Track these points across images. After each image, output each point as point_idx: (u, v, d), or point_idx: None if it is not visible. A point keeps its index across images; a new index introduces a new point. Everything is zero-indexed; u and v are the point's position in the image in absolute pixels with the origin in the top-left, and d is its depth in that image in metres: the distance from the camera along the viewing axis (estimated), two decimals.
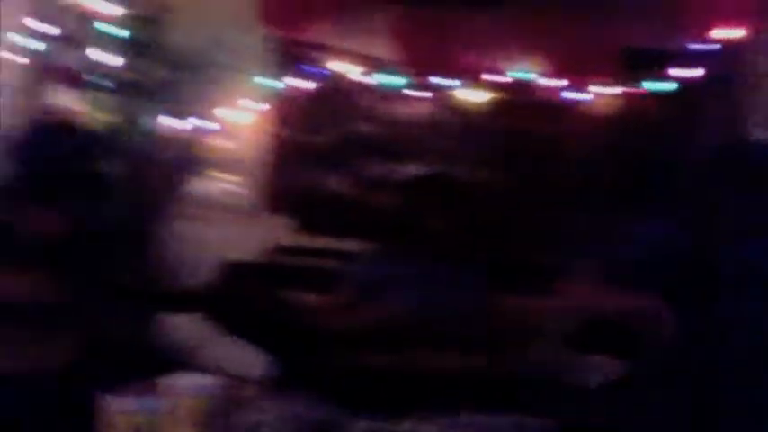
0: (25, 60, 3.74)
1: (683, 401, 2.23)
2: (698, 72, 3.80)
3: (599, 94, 4.06)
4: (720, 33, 3.58)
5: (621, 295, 2.48)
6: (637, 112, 4.06)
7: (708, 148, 3.71)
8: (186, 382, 1.83)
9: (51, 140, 2.53)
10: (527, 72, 4.03)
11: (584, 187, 4.06)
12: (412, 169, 3.54)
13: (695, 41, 3.75)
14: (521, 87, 4.06)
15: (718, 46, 3.64)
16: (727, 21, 3.55)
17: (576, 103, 4.05)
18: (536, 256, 3.94)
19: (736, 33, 3.54)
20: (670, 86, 3.92)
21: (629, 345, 2.39)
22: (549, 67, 3.97)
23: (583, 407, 2.34)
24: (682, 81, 3.88)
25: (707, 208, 2.47)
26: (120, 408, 1.66)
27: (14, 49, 3.66)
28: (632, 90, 3.99)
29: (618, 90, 4.02)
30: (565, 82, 3.99)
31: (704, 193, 2.56)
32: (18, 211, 2.40)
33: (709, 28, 3.60)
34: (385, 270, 3.13)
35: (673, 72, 3.88)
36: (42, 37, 3.75)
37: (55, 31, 3.77)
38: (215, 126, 4.05)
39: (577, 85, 4.01)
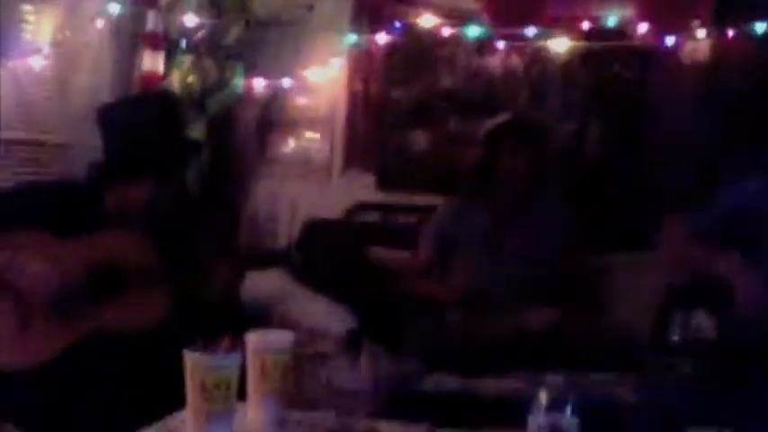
0: (112, 26, 3.81)
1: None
2: None
3: (693, 39, 3.86)
4: None
5: (717, 251, 2.39)
6: (735, 57, 3.85)
7: None
8: (266, 337, 1.84)
9: (145, 112, 2.58)
10: (617, 18, 3.86)
11: (677, 138, 3.90)
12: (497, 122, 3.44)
13: None
14: (611, 34, 3.90)
15: None
16: None
17: (670, 48, 3.86)
18: (628, 210, 3.82)
19: None
20: None
21: (727, 302, 2.31)
22: (641, 11, 3.79)
23: (675, 364, 2.27)
24: None
25: None
26: (200, 363, 1.67)
27: (101, 15, 3.73)
28: (732, 34, 3.78)
29: (714, 34, 3.81)
30: (658, 27, 3.81)
31: None
32: (115, 182, 2.47)
33: None
34: (468, 224, 3.10)
35: None
36: (128, 1, 3.81)
37: None
38: (298, 84, 4.04)
39: (671, 30, 3.82)
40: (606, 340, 2.65)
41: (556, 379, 2.00)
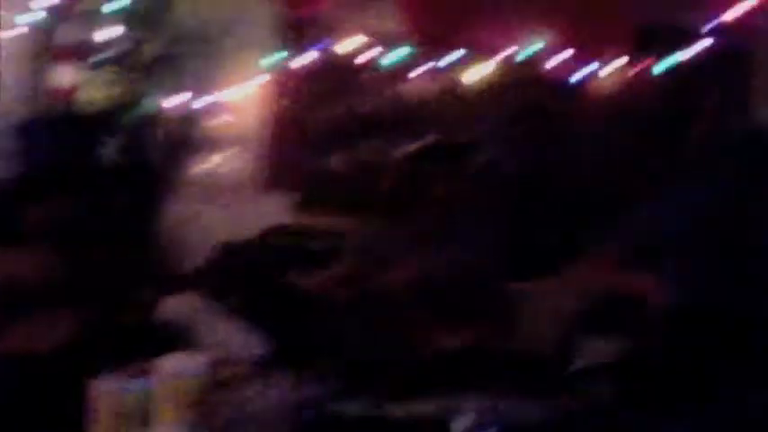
0: (27, 38, 3.71)
1: (688, 377, 2.19)
2: (714, 49, 3.72)
3: (612, 71, 3.98)
4: (736, 10, 3.50)
5: (632, 275, 2.45)
6: (650, 90, 3.99)
7: (722, 129, 3.66)
8: (179, 363, 1.81)
9: (58, 132, 2.54)
10: (538, 48, 3.95)
11: (594, 165, 4.00)
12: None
13: (712, 18, 3.67)
14: (531, 63, 3.99)
15: (734, 22, 3.56)
16: None
17: (589, 80, 3.98)
18: (545, 233, 3.90)
19: (752, 10, 3.46)
20: (683, 64, 3.84)
21: (638, 324, 2.36)
22: (562, 42, 3.89)
23: (587, 387, 2.31)
24: (697, 59, 3.80)
25: (719, 189, 2.42)
26: (109, 389, 1.63)
27: (16, 26, 3.63)
28: (646, 67, 3.91)
29: (632, 67, 3.94)
30: (577, 58, 3.91)
31: (716, 175, 2.51)
32: (26, 197, 2.40)
33: (725, 5, 3.52)
34: (385, 245, 3.10)
35: (688, 49, 3.80)
36: (44, 13, 3.72)
37: (57, 6, 3.73)
38: (218, 103, 3.99)
39: (590, 62, 3.93)
40: (518, 363, 2.68)
41: (468, 402, 2.00)
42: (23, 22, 3.64)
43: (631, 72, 3.92)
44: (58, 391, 2.10)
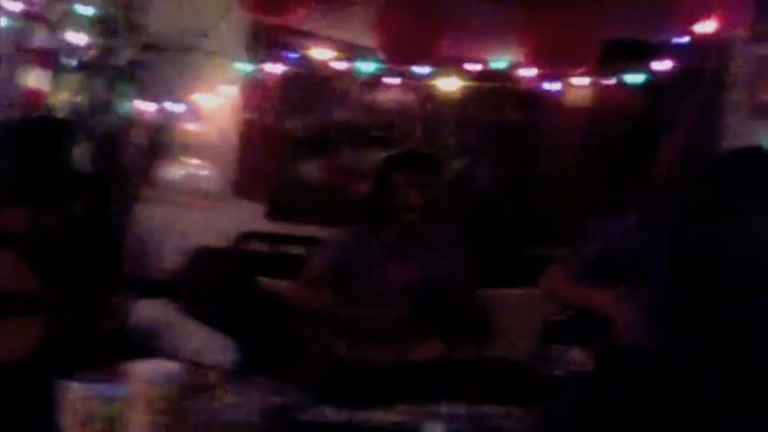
0: None
1: (655, 393, 2.23)
2: (680, 66, 3.80)
3: (577, 86, 4.05)
4: (703, 26, 3.57)
5: (597, 287, 2.48)
6: (617, 104, 4.05)
7: (687, 145, 3.73)
8: (150, 368, 1.80)
9: (28, 138, 2.51)
10: (507, 62, 4.00)
11: (561, 178, 4.06)
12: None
13: (678, 34, 3.75)
14: (500, 77, 4.04)
15: (701, 39, 3.64)
16: (710, 14, 3.54)
17: (555, 93, 4.03)
18: (513, 245, 3.94)
19: (719, 27, 3.54)
20: (651, 80, 3.91)
21: (604, 336, 2.39)
22: (530, 57, 3.94)
23: (556, 396, 2.33)
24: (663, 74, 3.88)
25: (682, 204, 2.46)
26: (80, 394, 1.63)
27: None
28: (613, 82, 3.98)
29: (598, 82, 4.01)
30: (545, 72, 3.96)
31: (679, 189, 2.55)
32: None
33: (693, 21, 3.59)
34: (360, 254, 3.12)
35: (654, 65, 3.88)
36: (12, 16, 3.68)
37: (26, 9, 3.70)
38: (190, 110, 3.98)
39: (557, 76, 3.99)
40: (493, 372, 2.70)
41: (444, 411, 2.02)
42: None
43: (602, 87, 3.99)
44: (30, 397, 2.09)
